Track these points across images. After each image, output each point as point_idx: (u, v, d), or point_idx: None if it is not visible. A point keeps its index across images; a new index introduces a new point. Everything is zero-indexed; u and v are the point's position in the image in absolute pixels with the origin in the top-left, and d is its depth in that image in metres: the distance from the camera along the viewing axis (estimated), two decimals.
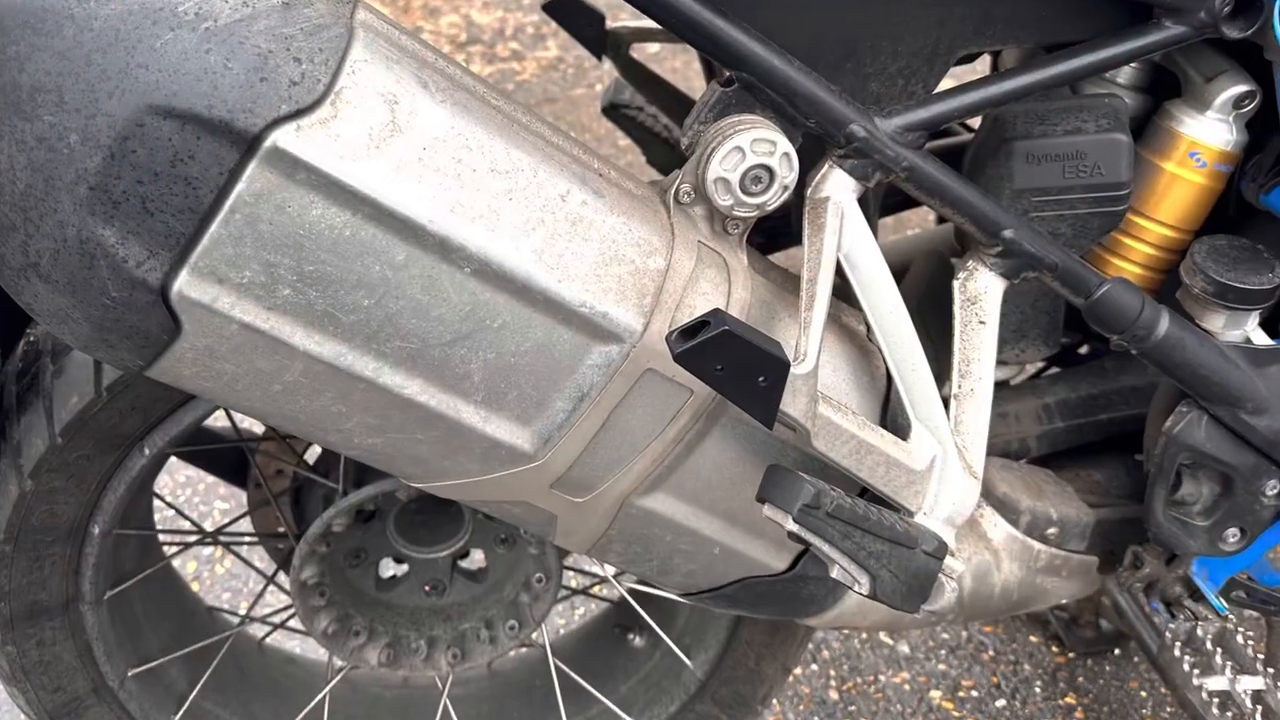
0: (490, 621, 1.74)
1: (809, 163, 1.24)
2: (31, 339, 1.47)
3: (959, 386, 1.33)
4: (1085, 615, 2.41)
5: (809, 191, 1.25)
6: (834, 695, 2.34)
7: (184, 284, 1.00)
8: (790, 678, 2.28)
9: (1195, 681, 1.63)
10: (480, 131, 1.06)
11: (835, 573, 1.19)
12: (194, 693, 1.74)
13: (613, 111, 1.95)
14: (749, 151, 1.17)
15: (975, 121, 1.46)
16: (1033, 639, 2.47)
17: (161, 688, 1.73)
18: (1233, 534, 1.52)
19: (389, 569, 1.74)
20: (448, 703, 1.80)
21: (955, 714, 2.32)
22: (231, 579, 2.51)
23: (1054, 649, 2.46)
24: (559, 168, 1.11)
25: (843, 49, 1.25)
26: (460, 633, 1.75)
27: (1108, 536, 1.64)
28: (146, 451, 1.46)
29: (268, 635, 1.93)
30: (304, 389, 1.09)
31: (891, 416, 1.32)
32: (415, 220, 1.02)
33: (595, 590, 2.09)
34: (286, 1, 0.98)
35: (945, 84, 1.29)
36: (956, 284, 1.35)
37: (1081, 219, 1.37)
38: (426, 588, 1.74)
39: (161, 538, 1.85)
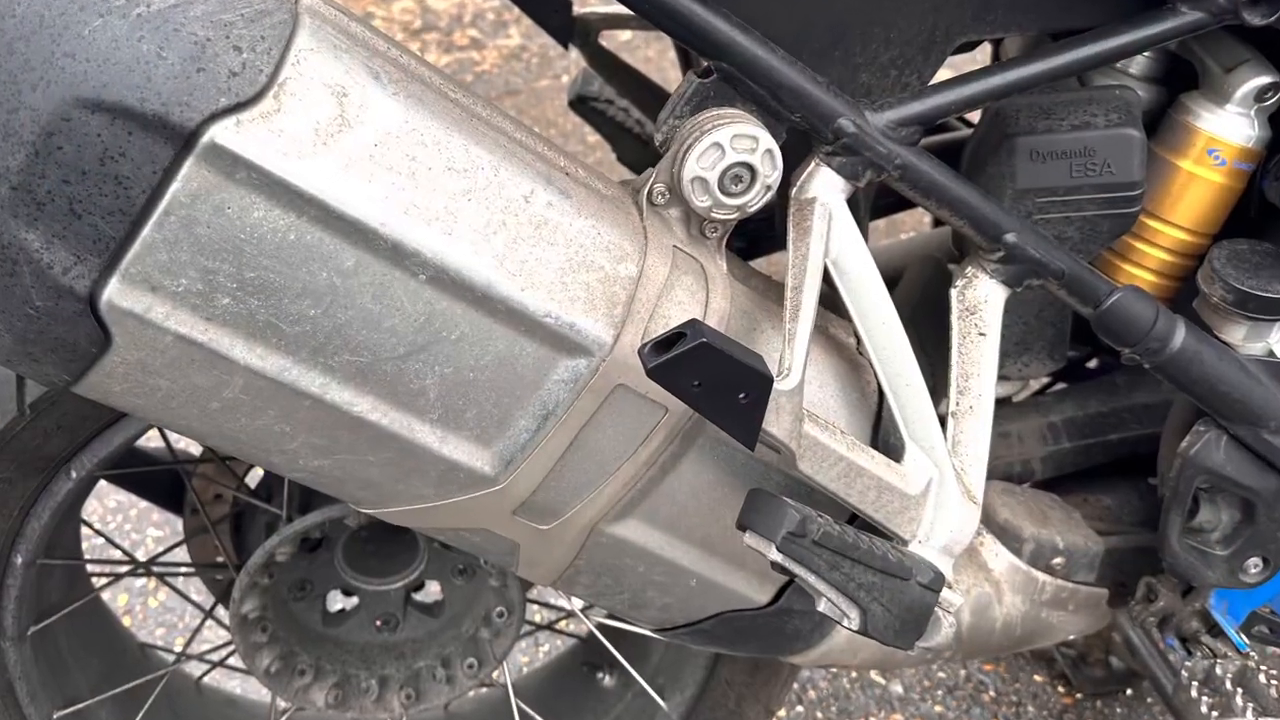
0: (447, 659, 1.74)
1: (794, 161, 1.24)
2: None
3: (957, 404, 1.33)
4: (1094, 652, 2.41)
5: (794, 192, 1.25)
6: None
7: (114, 292, 0.99)
8: None
9: None
10: (436, 126, 1.06)
11: (822, 606, 1.20)
12: None
13: (580, 105, 1.95)
14: (728, 148, 1.17)
15: (974, 116, 1.46)
16: (1037, 678, 2.48)
17: None
18: (1254, 564, 1.53)
19: (337, 602, 1.74)
20: None
21: None
22: (166, 613, 2.50)
23: (1060, 689, 2.46)
24: (522, 166, 1.11)
25: (830, 37, 1.25)
26: (414, 671, 1.74)
27: (1119, 567, 1.65)
28: (74, 474, 1.46)
29: (205, 674, 1.93)
30: (245, 406, 1.09)
31: (883, 436, 1.32)
32: (365, 223, 1.02)
33: (561, 625, 2.09)
34: None
35: (942, 75, 1.30)
36: (954, 292, 1.35)
37: (1090, 221, 1.37)
38: (378, 622, 1.73)
39: (90, 568, 1.84)
